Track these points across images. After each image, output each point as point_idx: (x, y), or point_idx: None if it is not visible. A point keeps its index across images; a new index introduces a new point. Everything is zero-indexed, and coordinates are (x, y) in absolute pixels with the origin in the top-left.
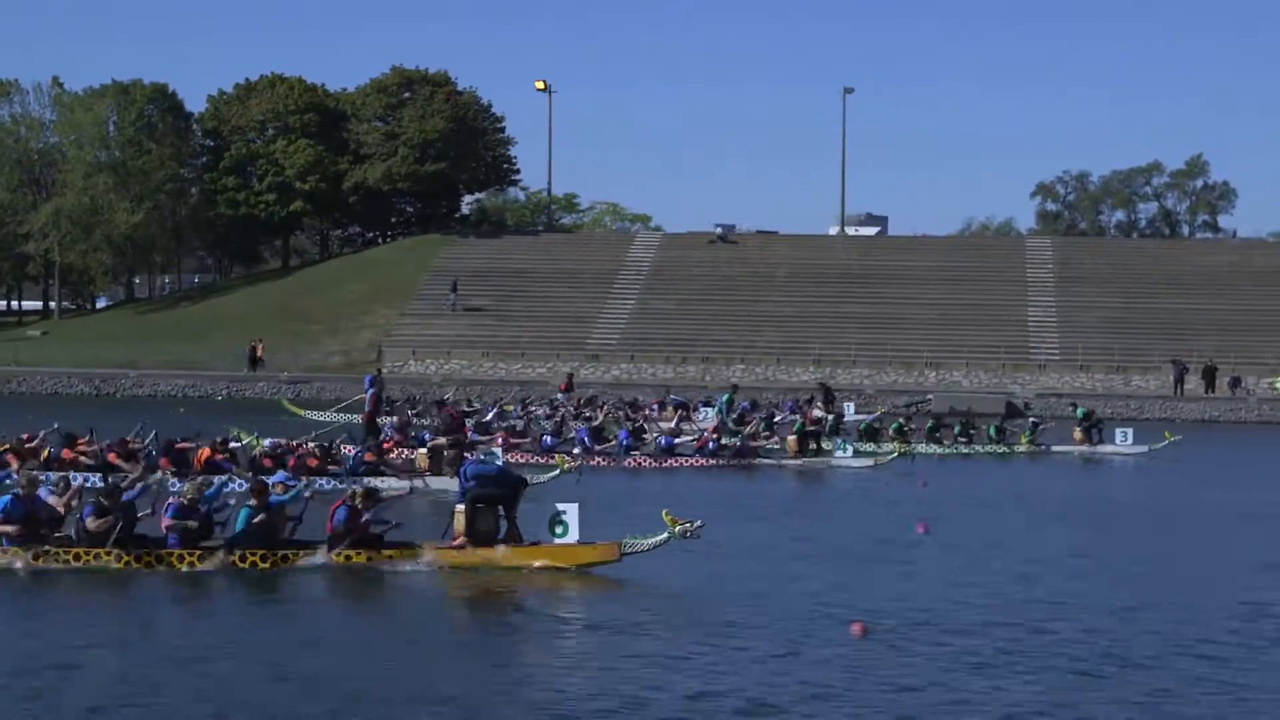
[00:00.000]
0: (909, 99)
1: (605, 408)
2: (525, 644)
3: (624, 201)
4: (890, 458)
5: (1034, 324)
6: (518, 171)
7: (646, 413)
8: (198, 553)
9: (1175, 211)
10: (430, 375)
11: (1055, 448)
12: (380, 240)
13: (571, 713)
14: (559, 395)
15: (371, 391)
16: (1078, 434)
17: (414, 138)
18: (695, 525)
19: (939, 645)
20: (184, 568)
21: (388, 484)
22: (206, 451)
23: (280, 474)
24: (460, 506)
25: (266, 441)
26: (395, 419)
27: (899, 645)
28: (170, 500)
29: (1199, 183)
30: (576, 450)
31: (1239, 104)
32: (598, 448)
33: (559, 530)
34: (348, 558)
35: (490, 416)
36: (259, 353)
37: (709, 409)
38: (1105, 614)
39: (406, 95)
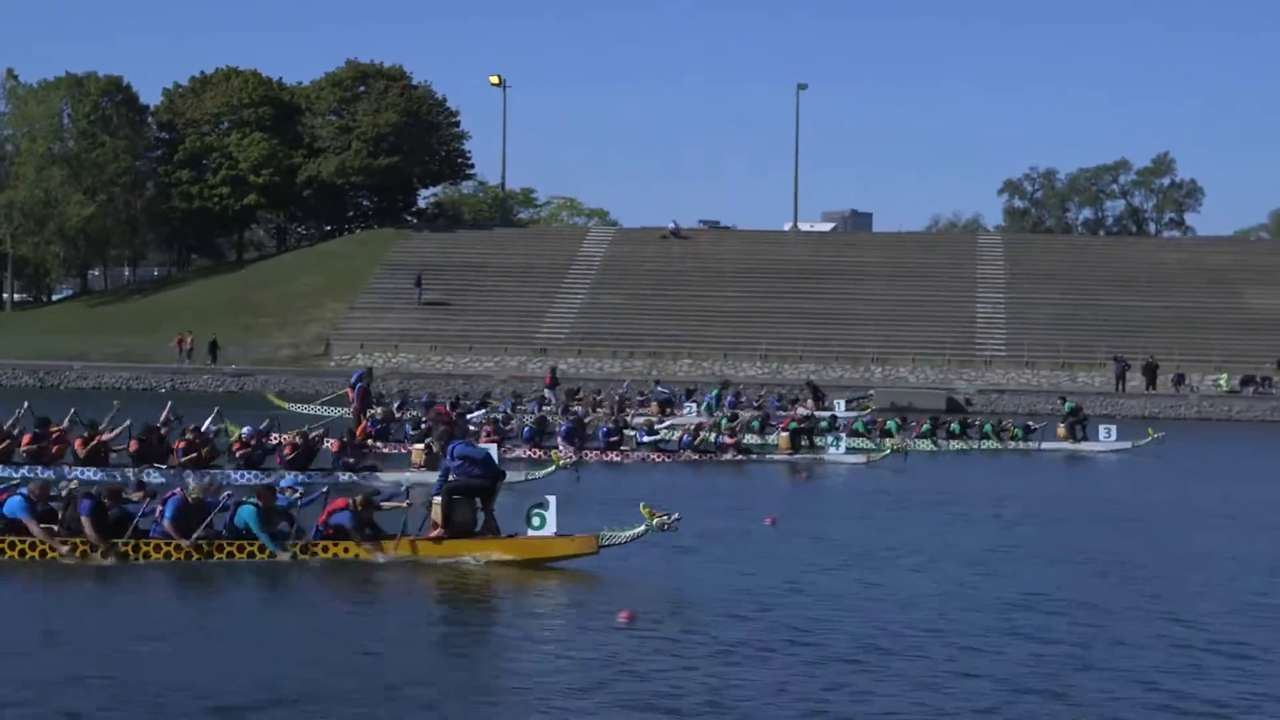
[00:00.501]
0: (893, 96)
1: (586, 399)
2: (495, 638)
3: (583, 197)
4: (883, 454)
5: (982, 320)
6: (472, 165)
7: (631, 408)
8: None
9: (1142, 209)
10: (377, 368)
11: (1042, 445)
12: (338, 234)
13: (537, 703)
14: (545, 390)
15: (360, 386)
16: (1061, 430)
17: (367, 131)
18: (673, 518)
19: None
20: (161, 557)
21: (379, 480)
22: (181, 444)
23: (289, 478)
24: (437, 498)
25: (244, 430)
26: (380, 410)
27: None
28: (173, 494)
29: (1165, 181)
30: (560, 444)
31: (1206, 103)
32: (580, 443)
33: (536, 523)
34: (325, 549)
35: (475, 414)
36: (188, 345)
37: (690, 404)
38: (862, 605)
39: (361, 89)
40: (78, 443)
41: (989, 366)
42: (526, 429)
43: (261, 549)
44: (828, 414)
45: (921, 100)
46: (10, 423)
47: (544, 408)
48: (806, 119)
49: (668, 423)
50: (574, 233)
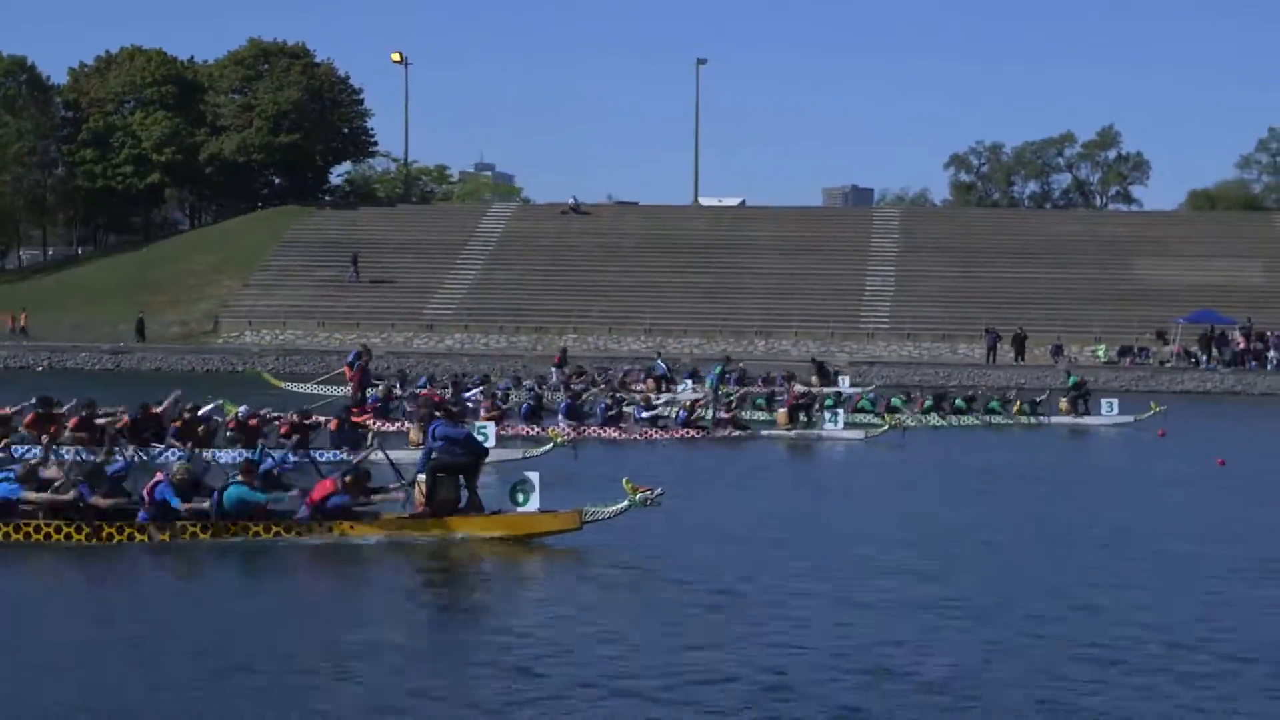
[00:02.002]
0: (851, 70)
1: (586, 379)
2: (479, 613)
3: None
4: (882, 430)
5: (870, 293)
6: (375, 142)
7: (629, 383)
8: (177, 526)
9: (1088, 182)
10: (254, 345)
11: (1048, 419)
12: (249, 212)
13: (514, 684)
14: (553, 370)
15: (358, 364)
16: (1064, 404)
17: (268, 109)
18: (656, 493)
19: None
20: (161, 538)
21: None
22: (178, 424)
23: (272, 460)
24: (421, 476)
25: (241, 409)
26: (381, 388)
27: None
28: (160, 477)
29: (1111, 154)
30: (562, 423)
31: (1153, 76)
32: (578, 421)
33: (520, 499)
34: (309, 529)
35: (473, 392)
36: (22, 323)
37: (690, 380)
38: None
39: (264, 67)
40: (72, 421)
41: (871, 339)
42: (525, 406)
43: (268, 529)
44: (833, 390)
45: (877, 75)
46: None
47: (541, 386)
48: (789, 94)
49: (664, 398)
50: (476, 209)
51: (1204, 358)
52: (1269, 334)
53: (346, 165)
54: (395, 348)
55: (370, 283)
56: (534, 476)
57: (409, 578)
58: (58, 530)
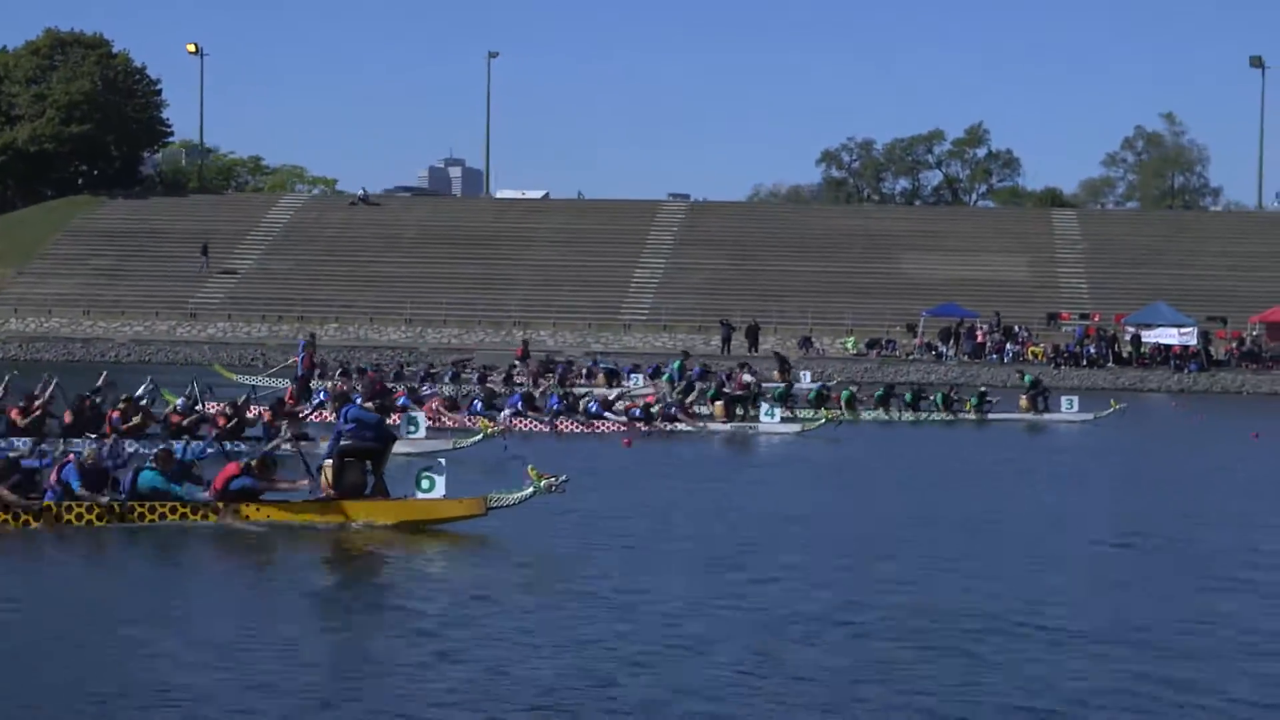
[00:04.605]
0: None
1: (535, 371)
2: (375, 598)
3: (312, 165)
4: (818, 424)
5: (636, 285)
6: (170, 132)
7: (577, 377)
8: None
9: (959, 179)
10: (24, 333)
11: (1004, 415)
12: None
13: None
14: (516, 362)
15: (305, 353)
16: (1024, 401)
17: (60, 99)
18: (560, 480)
19: None
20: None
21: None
22: (116, 413)
23: (191, 453)
24: (328, 461)
25: (179, 401)
26: (329, 383)
27: None
28: (68, 461)
29: (981, 151)
30: (505, 413)
31: (1021, 74)
32: (530, 414)
33: (425, 485)
34: (212, 512)
35: (421, 382)
36: None
37: (636, 376)
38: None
39: (60, 58)
40: (13, 412)
41: (628, 330)
42: (477, 402)
43: (173, 510)
44: (779, 385)
45: (751, 69)
46: None
47: (489, 378)
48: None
49: (617, 393)
50: (267, 200)
51: (947, 350)
52: (1016, 328)
53: (158, 155)
54: (158, 336)
55: (221, 273)
56: (441, 462)
57: (308, 562)
58: None
